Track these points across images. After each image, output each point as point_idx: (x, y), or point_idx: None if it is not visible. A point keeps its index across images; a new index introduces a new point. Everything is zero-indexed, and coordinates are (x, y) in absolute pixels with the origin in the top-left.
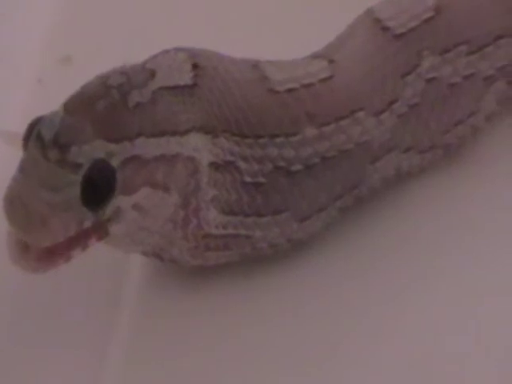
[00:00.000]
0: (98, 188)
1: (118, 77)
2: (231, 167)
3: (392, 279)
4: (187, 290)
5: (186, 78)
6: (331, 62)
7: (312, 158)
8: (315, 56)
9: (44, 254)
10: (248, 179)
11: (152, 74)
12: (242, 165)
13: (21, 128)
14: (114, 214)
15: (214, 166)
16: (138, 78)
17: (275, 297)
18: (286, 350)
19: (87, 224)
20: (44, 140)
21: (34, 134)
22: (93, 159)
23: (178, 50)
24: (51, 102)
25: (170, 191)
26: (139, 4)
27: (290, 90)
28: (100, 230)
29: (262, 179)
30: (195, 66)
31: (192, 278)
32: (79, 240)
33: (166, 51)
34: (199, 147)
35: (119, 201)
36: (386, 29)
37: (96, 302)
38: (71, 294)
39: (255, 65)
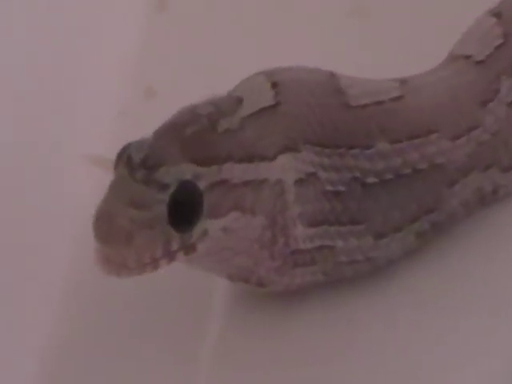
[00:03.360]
0: (185, 208)
1: (206, 106)
2: (313, 178)
3: (469, 312)
4: (272, 320)
5: (268, 98)
6: (403, 82)
7: (386, 172)
8: (389, 79)
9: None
10: (329, 188)
11: (239, 102)
12: (322, 174)
13: None
14: (201, 235)
15: (299, 182)
16: (226, 107)
17: (357, 322)
18: (371, 374)
19: (174, 246)
20: (133, 162)
21: (123, 156)
22: (180, 180)
23: (256, 74)
24: (133, 134)
25: (257, 215)
26: (221, 35)
27: (363, 106)
28: (187, 248)
29: (341, 187)
30: (275, 85)
31: (277, 306)
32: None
33: (246, 78)
34: (286, 168)
35: (207, 223)
36: (467, 57)
37: (179, 332)
38: (154, 318)
39: (332, 74)
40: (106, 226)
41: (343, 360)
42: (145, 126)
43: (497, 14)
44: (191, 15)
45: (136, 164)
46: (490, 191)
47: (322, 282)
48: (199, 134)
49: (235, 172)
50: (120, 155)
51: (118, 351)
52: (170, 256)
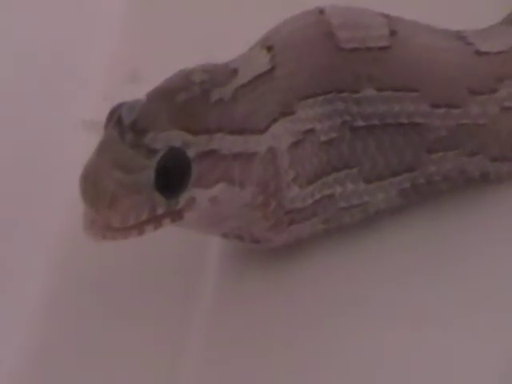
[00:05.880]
0: (172, 175)
1: (200, 74)
2: (309, 134)
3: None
4: (265, 271)
5: (263, 64)
6: (393, 32)
7: (372, 117)
8: (384, 16)
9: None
10: (323, 138)
11: (234, 72)
12: (317, 126)
13: None
14: (188, 203)
15: (295, 145)
16: (220, 76)
17: (351, 278)
18: (366, 333)
19: (160, 211)
20: (123, 123)
21: (114, 117)
22: (169, 146)
23: (252, 46)
24: None
25: (247, 187)
26: (207, 20)
27: (352, 49)
28: (174, 215)
29: (333, 134)
30: (269, 49)
31: (270, 259)
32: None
33: (244, 52)
34: (279, 135)
35: (195, 192)
36: (470, 44)
37: (174, 285)
38: (148, 278)
39: (321, 12)
40: (92, 186)
41: (338, 316)
42: None
43: None
44: None
45: (126, 126)
46: (477, 175)
47: (320, 232)
48: (191, 101)
49: (225, 143)
50: (111, 114)
51: (111, 311)
52: (156, 221)
